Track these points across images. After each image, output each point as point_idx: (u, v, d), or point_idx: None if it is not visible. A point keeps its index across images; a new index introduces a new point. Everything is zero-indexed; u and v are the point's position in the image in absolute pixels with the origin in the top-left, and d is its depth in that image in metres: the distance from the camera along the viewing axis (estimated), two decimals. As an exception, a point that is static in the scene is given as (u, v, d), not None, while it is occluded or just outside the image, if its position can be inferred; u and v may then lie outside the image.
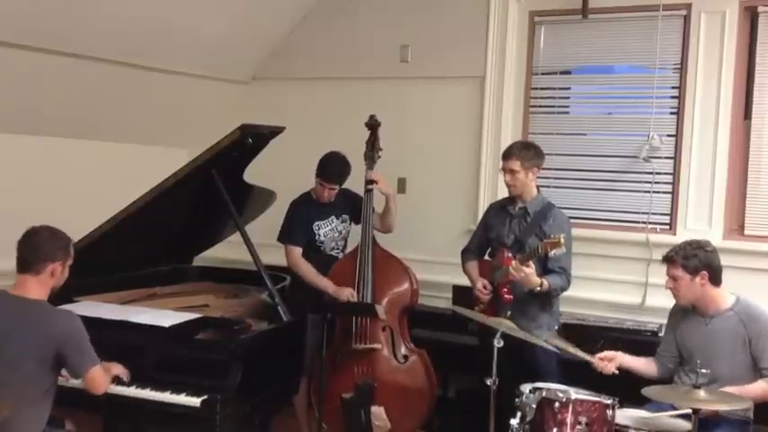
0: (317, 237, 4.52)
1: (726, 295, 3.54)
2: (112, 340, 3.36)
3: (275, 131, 3.96)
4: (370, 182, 4.48)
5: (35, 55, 4.24)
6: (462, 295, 4.53)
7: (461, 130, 5.19)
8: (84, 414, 3.51)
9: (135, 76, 4.87)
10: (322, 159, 4.46)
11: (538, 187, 4.20)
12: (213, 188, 3.83)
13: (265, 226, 4.48)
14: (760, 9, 4.49)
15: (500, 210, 4.26)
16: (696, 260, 3.47)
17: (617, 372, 3.63)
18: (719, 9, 4.51)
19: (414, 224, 4.95)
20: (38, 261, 3.10)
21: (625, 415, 3.33)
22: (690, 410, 3.04)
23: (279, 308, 3.73)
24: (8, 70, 4.20)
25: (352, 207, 4.60)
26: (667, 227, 4.70)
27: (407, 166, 5.25)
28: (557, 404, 3.23)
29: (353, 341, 4.31)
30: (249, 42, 5.51)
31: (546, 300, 4.05)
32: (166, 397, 3.30)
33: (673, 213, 4.68)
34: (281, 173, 4.77)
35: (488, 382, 3.53)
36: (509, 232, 4.14)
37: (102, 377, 3.15)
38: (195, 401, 3.26)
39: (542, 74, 5.06)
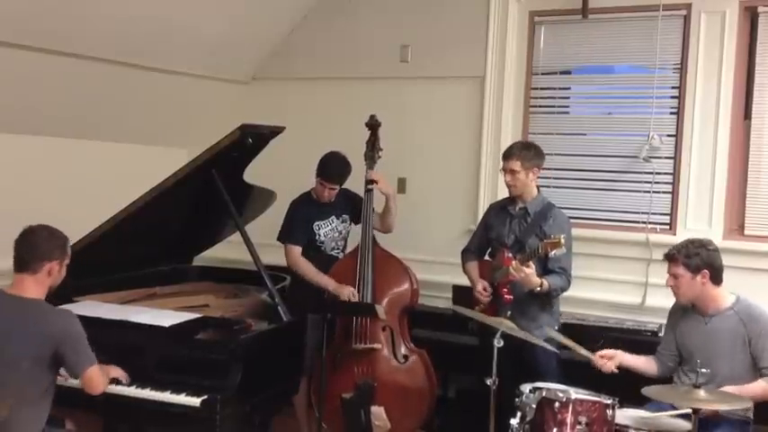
0: (317, 237, 4.52)
1: (726, 295, 3.54)
2: (112, 340, 3.36)
3: (275, 131, 3.96)
4: (370, 182, 4.48)
5: (35, 55, 4.24)
6: (462, 295, 4.52)
7: (461, 130, 5.19)
8: (85, 414, 3.51)
9: (135, 76, 4.87)
10: (322, 159, 4.47)
11: (538, 187, 4.19)
12: (213, 188, 3.83)
13: (265, 226, 4.48)
14: (760, 9, 4.49)
15: (500, 210, 4.26)
16: (698, 259, 3.47)
17: (616, 370, 3.63)
18: (719, 9, 4.51)
19: (414, 224, 4.95)
20: (35, 260, 3.10)
21: (625, 415, 3.33)
22: (690, 410, 3.04)
23: (279, 308, 3.73)
24: (8, 70, 4.20)
25: (353, 207, 4.60)
26: (667, 227, 4.70)
27: (407, 166, 5.25)
28: (557, 404, 3.23)
29: (353, 341, 4.31)
30: (249, 42, 5.51)
31: (546, 300, 4.05)
32: (166, 397, 3.30)
33: (673, 213, 4.69)
34: (281, 173, 4.77)
35: (488, 382, 3.53)
36: (509, 232, 4.14)
37: (100, 377, 3.15)
38: (195, 401, 3.25)
39: (542, 74, 5.06)
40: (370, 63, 5.41)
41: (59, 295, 3.35)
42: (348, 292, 4.34)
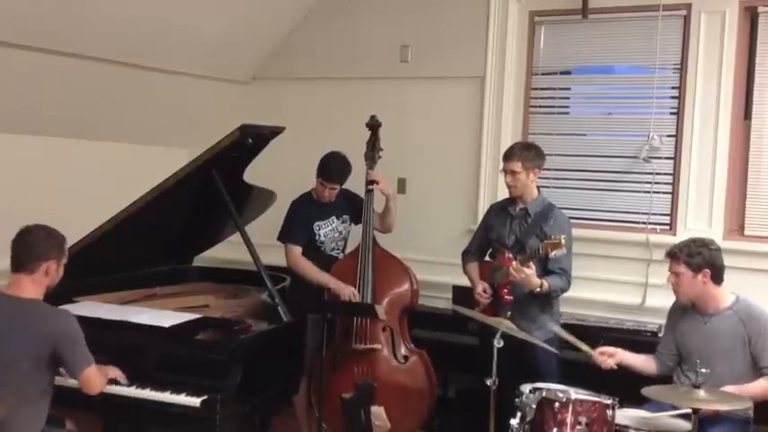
0: (317, 237, 4.52)
1: (726, 294, 3.54)
2: (112, 340, 3.36)
3: (275, 131, 3.95)
4: (370, 182, 4.49)
5: (35, 55, 4.24)
6: (462, 295, 4.52)
7: (461, 130, 5.19)
8: (84, 414, 3.50)
9: (135, 76, 4.86)
10: (323, 159, 4.47)
11: (538, 188, 4.19)
12: (213, 188, 3.83)
13: (265, 226, 4.48)
14: (760, 9, 4.49)
15: (501, 210, 4.25)
16: (700, 258, 3.47)
17: (615, 367, 3.63)
18: (719, 9, 4.51)
19: (414, 224, 4.95)
20: (32, 260, 3.09)
21: (625, 415, 3.33)
22: (690, 410, 3.04)
23: (279, 308, 3.73)
24: (8, 70, 4.19)
25: (353, 207, 4.60)
26: (667, 227, 4.70)
27: (407, 166, 5.25)
28: (557, 404, 3.23)
29: (353, 341, 4.31)
30: (249, 42, 5.51)
31: (546, 301, 4.05)
32: (166, 397, 3.30)
33: (673, 214, 4.69)
34: (281, 173, 4.77)
35: (488, 382, 3.53)
36: (510, 233, 4.13)
37: (98, 378, 3.15)
38: (195, 401, 3.25)
39: (542, 74, 5.06)
40: (370, 63, 5.41)
41: (59, 295, 3.35)
42: (349, 292, 4.34)
